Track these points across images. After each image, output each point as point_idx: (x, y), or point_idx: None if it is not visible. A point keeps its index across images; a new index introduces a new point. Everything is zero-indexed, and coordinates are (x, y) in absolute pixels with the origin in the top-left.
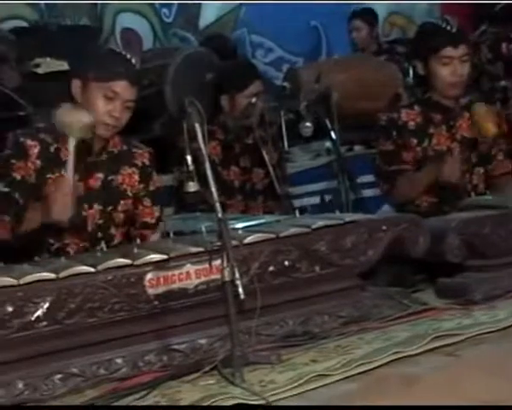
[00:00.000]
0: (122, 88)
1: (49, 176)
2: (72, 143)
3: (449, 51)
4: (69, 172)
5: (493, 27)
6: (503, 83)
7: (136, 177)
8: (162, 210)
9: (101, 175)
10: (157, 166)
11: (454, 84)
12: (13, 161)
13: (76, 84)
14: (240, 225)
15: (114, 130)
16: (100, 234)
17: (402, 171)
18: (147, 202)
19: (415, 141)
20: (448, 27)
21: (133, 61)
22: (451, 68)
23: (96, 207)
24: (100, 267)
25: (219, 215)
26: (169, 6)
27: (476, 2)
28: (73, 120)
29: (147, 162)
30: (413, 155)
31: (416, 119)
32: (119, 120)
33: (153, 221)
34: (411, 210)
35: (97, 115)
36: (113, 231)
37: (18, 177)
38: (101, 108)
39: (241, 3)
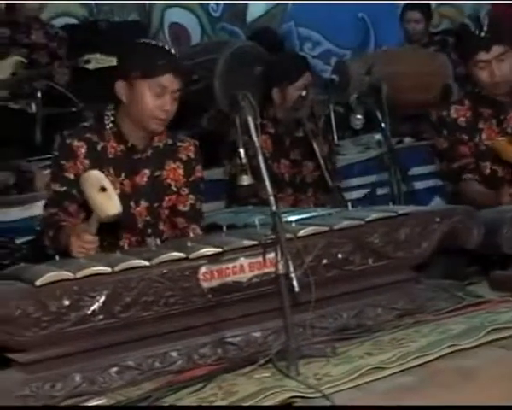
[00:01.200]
0: (169, 81)
1: None
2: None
3: (482, 56)
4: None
5: None
6: None
7: (181, 171)
8: (200, 200)
9: (147, 171)
10: (205, 160)
11: (495, 85)
12: (63, 162)
13: (120, 86)
14: (293, 218)
15: (165, 123)
16: (149, 230)
17: (466, 166)
18: (183, 191)
19: (466, 137)
20: (477, 31)
21: (173, 51)
22: (488, 71)
23: (143, 203)
24: (155, 261)
25: (273, 209)
26: (217, 1)
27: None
28: (104, 206)
29: (192, 155)
30: (469, 149)
31: (466, 114)
32: (169, 113)
33: (186, 209)
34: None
35: (148, 111)
36: (161, 226)
37: (71, 176)
38: (151, 104)
39: None
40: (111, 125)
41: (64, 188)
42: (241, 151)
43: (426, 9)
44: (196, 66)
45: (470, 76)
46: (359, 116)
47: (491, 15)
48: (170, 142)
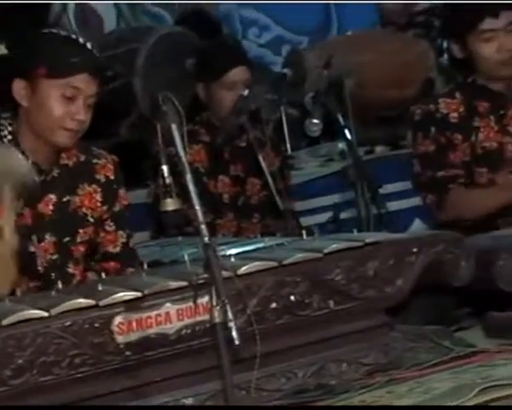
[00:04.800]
0: (83, 82)
1: None
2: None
3: (489, 23)
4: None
5: None
6: None
7: (99, 196)
8: (131, 236)
9: (53, 197)
10: (126, 179)
11: (503, 62)
12: None
13: (20, 86)
14: (233, 251)
15: (77, 136)
16: (55, 274)
17: (453, 178)
18: (109, 226)
19: (459, 137)
20: None
21: (90, 46)
22: (496, 44)
23: (49, 238)
24: (55, 311)
25: (206, 240)
26: None
27: None
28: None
29: (111, 176)
30: (462, 155)
31: (459, 109)
32: (82, 123)
33: (116, 250)
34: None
35: (55, 120)
36: (71, 268)
37: None
38: (59, 111)
39: None
40: (9, 137)
41: None
42: (164, 168)
43: None
44: (112, 59)
45: (468, 56)
46: (316, 120)
47: None
48: (82, 159)
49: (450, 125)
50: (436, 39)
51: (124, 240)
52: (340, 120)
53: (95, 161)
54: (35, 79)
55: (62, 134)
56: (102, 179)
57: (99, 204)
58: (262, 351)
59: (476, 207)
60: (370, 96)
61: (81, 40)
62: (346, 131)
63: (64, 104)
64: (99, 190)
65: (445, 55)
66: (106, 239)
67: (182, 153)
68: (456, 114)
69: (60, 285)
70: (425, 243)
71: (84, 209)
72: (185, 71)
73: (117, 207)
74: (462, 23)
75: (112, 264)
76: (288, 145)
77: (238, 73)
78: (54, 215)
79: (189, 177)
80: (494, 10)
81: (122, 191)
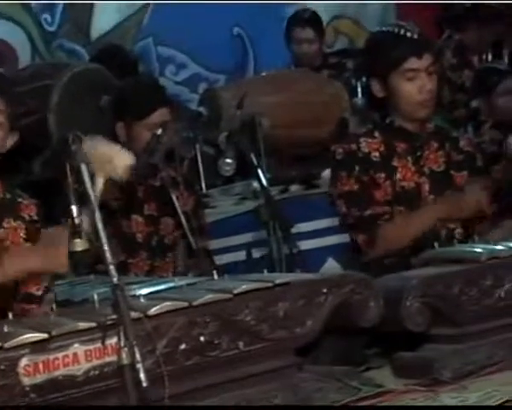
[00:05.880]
0: None
1: None
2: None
3: (413, 63)
4: None
5: (459, 32)
6: (474, 103)
7: (22, 233)
8: (52, 277)
9: None
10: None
11: (423, 103)
12: None
13: None
14: (143, 292)
15: None
16: None
17: (381, 215)
18: None
19: (382, 175)
20: (408, 34)
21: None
22: (418, 83)
23: None
24: None
25: (114, 280)
26: (52, 11)
27: (439, 3)
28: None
29: (34, 217)
30: (384, 194)
31: (380, 148)
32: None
33: (39, 293)
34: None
35: None
36: None
37: None
38: None
39: (145, 4)
40: None
41: None
42: (74, 208)
43: (319, 25)
44: (26, 94)
45: (388, 95)
46: (229, 160)
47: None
48: (8, 196)
49: (373, 164)
50: (350, 80)
51: (46, 283)
52: (253, 159)
53: (19, 200)
54: None
55: None
56: (27, 218)
57: (21, 241)
58: (171, 392)
59: (405, 237)
60: (285, 135)
61: None
62: (259, 171)
63: None
64: (23, 226)
65: (359, 96)
66: (28, 280)
67: (91, 192)
68: (377, 154)
69: None
70: (334, 283)
71: (7, 242)
72: (101, 108)
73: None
74: (387, 60)
75: (34, 306)
76: (203, 183)
77: (161, 115)
78: None
79: (97, 216)
80: (418, 50)
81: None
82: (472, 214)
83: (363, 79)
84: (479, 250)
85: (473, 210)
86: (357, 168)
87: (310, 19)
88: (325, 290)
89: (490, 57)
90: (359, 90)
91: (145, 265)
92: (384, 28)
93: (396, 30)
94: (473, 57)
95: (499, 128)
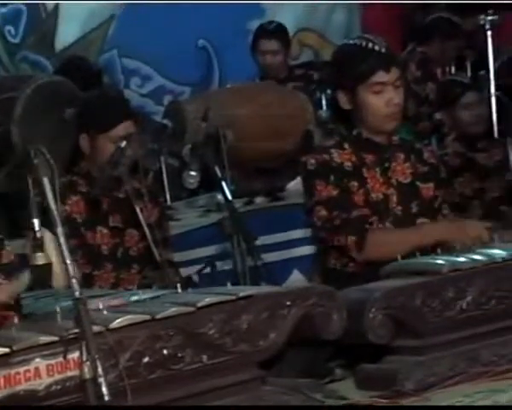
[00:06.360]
0: None
1: None
2: None
3: (381, 76)
4: None
5: (423, 45)
6: (437, 115)
7: None
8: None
9: None
10: (3, 229)
11: (390, 116)
12: None
13: None
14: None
15: None
16: None
17: (368, 217)
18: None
19: (356, 184)
20: (376, 47)
21: None
22: (385, 97)
23: None
24: None
25: (76, 294)
26: (15, 23)
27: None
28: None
29: None
30: (360, 201)
31: (351, 158)
32: None
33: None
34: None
35: None
36: None
37: None
38: None
39: (110, 16)
40: None
41: None
42: (35, 222)
43: (284, 37)
44: None
45: (355, 107)
46: (193, 172)
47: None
48: None
49: (346, 174)
50: (315, 92)
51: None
52: (218, 172)
53: None
54: None
55: None
56: None
57: None
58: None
59: (395, 250)
60: (249, 147)
61: None
62: (223, 183)
63: None
64: None
65: (324, 108)
66: None
67: (53, 206)
68: (349, 164)
69: None
70: (297, 296)
71: None
72: (65, 120)
73: (5, 260)
74: (354, 73)
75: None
76: (168, 196)
77: (126, 127)
78: None
79: (59, 230)
80: (386, 64)
81: (7, 245)
82: (471, 242)
83: (328, 92)
84: (441, 262)
85: (473, 238)
86: (332, 177)
87: (275, 30)
88: (288, 303)
89: (453, 70)
90: (324, 102)
91: (110, 277)
92: (351, 41)
93: (364, 43)
94: (436, 70)
95: (462, 141)
